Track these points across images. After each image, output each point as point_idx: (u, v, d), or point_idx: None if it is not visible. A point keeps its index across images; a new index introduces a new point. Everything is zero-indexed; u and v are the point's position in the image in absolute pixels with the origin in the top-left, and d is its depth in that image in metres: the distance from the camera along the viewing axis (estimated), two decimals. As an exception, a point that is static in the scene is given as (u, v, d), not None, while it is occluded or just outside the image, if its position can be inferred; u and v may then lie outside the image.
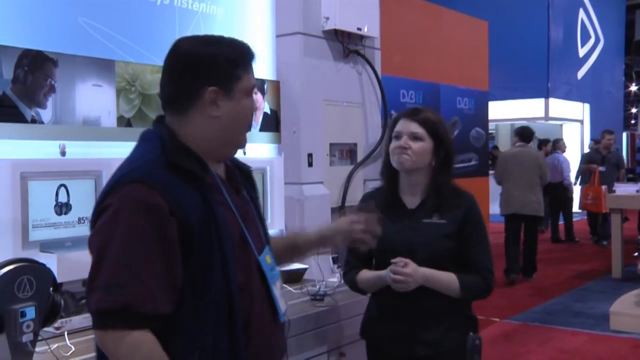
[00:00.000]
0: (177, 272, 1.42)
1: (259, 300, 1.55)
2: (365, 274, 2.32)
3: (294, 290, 2.95)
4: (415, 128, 2.20)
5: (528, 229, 7.38)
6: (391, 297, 2.21)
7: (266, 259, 1.59)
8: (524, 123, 14.31)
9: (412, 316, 2.22)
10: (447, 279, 2.18)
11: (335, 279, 3.00)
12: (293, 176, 3.59)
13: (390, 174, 2.30)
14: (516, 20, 12.96)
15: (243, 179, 1.67)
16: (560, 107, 13.96)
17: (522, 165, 7.08)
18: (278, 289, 1.62)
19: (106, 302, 1.35)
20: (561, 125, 15.05)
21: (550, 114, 13.60)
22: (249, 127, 1.60)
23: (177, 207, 1.40)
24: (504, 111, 13.13)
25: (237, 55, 1.51)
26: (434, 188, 2.23)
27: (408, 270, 2.12)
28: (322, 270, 3.07)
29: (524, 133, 7.41)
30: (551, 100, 13.56)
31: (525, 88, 13.16)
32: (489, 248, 2.27)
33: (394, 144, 2.24)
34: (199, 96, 1.48)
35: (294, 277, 3.17)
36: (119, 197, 1.40)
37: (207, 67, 1.48)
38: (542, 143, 11.12)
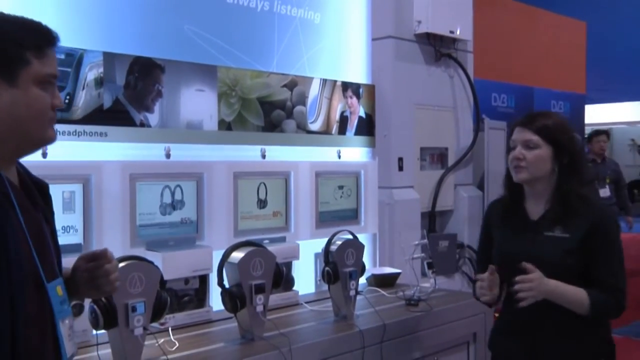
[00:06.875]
0: None
1: (48, 338, 1.30)
2: None
3: (387, 295, 2.94)
4: (529, 136, 2.08)
5: None
6: (517, 310, 2.03)
7: (56, 290, 1.33)
8: (624, 127, 13.51)
9: (535, 332, 2.08)
10: (575, 295, 2.00)
11: (429, 284, 2.96)
12: (383, 180, 3.57)
13: (511, 184, 2.19)
14: (618, 19, 12.31)
15: (40, 195, 1.39)
16: (665, 110, 13.17)
17: None
18: (67, 327, 1.34)
19: None
20: (665, 129, 14.19)
21: (654, 118, 12.86)
22: (48, 123, 1.32)
23: None
24: (602, 115, 12.51)
25: (26, 36, 1.28)
26: (559, 197, 2.08)
27: (532, 276, 1.96)
28: (416, 275, 3.04)
29: None
30: (655, 103, 12.83)
31: (626, 90, 12.47)
32: (620, 266, 2.06)
33: (510, 154, 2.14)
34: None
35: (388, 282, 3.16)
36: None
37: None
38: None
